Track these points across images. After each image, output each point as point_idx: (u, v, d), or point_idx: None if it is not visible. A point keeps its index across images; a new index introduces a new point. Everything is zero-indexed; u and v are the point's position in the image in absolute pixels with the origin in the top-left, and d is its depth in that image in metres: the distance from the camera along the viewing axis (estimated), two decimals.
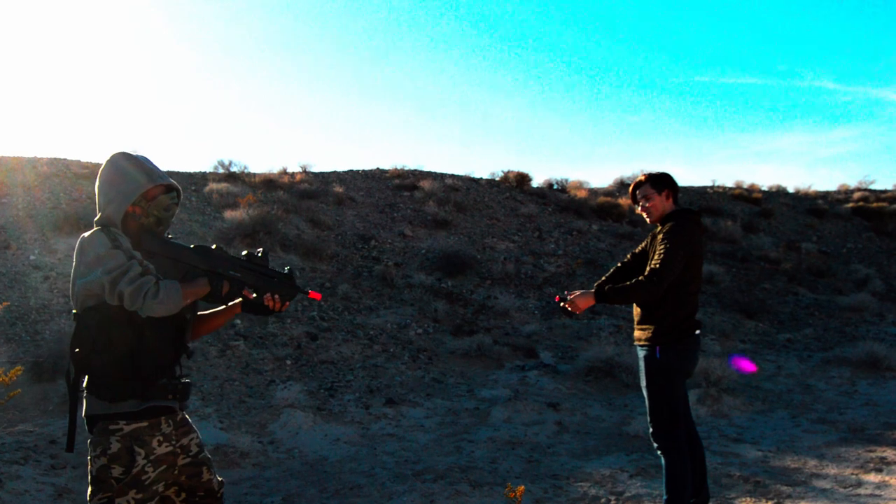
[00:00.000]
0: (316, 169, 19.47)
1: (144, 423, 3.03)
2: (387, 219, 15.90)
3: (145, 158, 3.22)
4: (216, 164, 17.59)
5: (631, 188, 4.69)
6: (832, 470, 6.08)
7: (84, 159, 15.68)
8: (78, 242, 3.01)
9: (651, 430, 4.53)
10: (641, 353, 4.52)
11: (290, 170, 19.00)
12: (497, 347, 10.09)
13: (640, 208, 4.66)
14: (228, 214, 13.09)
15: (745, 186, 25.38)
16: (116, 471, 2.96)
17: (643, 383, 4.52)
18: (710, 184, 25.45)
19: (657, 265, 4.29)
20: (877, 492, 5.45)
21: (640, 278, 4.35)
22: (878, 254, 20.18)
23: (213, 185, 15.06)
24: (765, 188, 25.97)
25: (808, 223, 22.24)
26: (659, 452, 4.52)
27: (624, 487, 5.74)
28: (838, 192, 27.65)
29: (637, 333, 4.57)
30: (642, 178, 4.61)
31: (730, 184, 25.71)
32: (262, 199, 14.92)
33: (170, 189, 3.21)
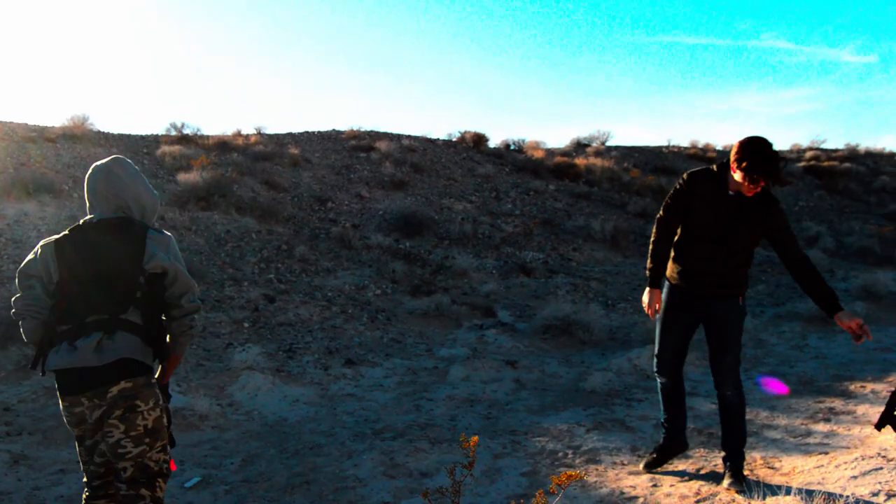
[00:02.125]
0: (270, 131, 19.25)
1: None
2: (343, 180, 15.79)
3: None
4: (168, 126, 17.33)
5: (759, 166, 4.25)
6: (783, 421, 6.24)
7: (31, 123, 15.32)
8: (158, 233, 3.41)
9: (726, 373, 4.72)
10: (728, 305, 4.62)
11: (244, 131, 18.75)
12: (455, 307, 10.12)
13: (757, 184, 4.32)
14: (182, 177, 12.88)
15: (699, 146, 25.64)
16: (165, 419, 3.36)
17: (728, 333, 4.65)
18: (665, 143, 25.67)
19: (798, 246, 4.53)
20: (825, 440, 5.60)
21: (818, 275, 4.47)
22: (828, 211, 20.56)
23: (165, 148, 14.80)
24: (719, 147, 26.24)
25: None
26: (730, 394, 4.71)
27: (581, 441, 5.82)
28: (791, 151, 28.07)
29: (725, 290, 4.63)
30: (775, 170, 4.30)
31: (685, 143, 25.95)
32: (215, 161, 14.70)
33: None
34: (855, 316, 4.33)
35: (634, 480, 4.91)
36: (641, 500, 4.58)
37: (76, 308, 3.23)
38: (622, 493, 4.73)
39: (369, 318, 9.54)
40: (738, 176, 4.37)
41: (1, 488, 4.93)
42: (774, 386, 4.91)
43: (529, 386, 7.61)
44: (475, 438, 2.54)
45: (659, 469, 5.05)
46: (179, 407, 6.38)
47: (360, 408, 6.89)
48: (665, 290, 4.83)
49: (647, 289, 4.81)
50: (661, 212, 4.79)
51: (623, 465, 5.14)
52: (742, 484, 4.54)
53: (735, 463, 4.67)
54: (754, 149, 4.28)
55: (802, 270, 4.47)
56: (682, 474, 4.99)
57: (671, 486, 4.80)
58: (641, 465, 5.10)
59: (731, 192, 4.50)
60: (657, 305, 4.81)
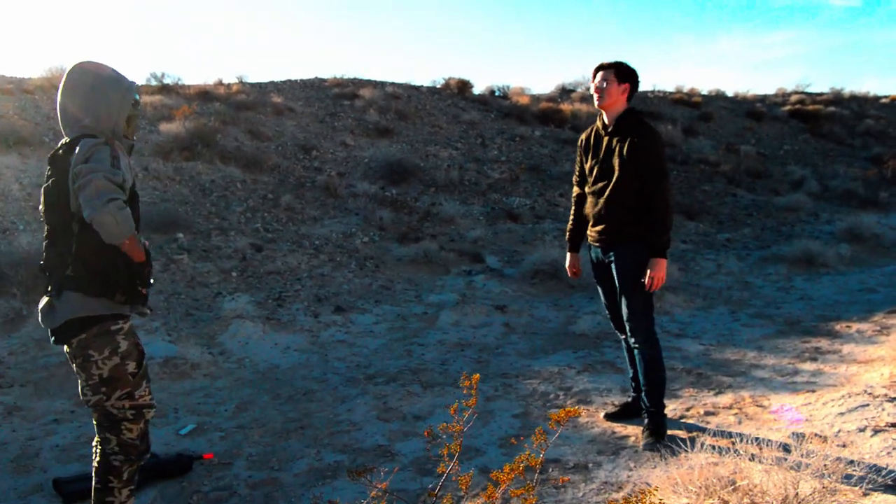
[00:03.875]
0: (252, 79, 18.94)
1: (130, 323, 3.26)
2: (328, 128, 15.64)
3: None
4: (149, 76, 17.01)
5: (596, 67, 4.55)
6: (770, 360, 6.31)
7: (8, 74, 15.02)
8: (82, 143, 3.02)
9: (632, 326, 4.58)
10: (623, 251, 4.50)
11: (225, 80, 18.44)
12: (443, 253, 10.12)
13: (595, 87, 4.53)
14: (164, 127, 12.71)
15: (685, 91, 25.50)
16: (131, 366, 3.21)
17: (623, 281, 4.52)
18: (650, 88, 25.52)
19: (657, 183, 4.36)
20: (812, 379, 5.68)
21: (658, 208, 4.36)
22: (813, 155, 20.59)
23: (146, 98, 14.57)
24: (704, 92, 26.12)
25: (746, 126, 22.52)
26: (640, 347, 4.59)
27: (572, 383, 5.88)
28: (776, 95, 27.99)
29: (615, 237, 4.54)
30: (611, 62, 4.52)
31: (670, 88, 25.82)
32: (198, 111, 14.50)
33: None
34: (655, 270, 4.34)
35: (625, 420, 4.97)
36: (633, 438, 4.64)
37: (44, 259, 3.21)
38: (613, 432, 4.79)
39: (357, 265, 9.53)
40: (594, 94, 4.58)
41: None
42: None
43: (519, 330, 7.65)
44: (476, 376, 2.55)
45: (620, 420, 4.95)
46: (171, 356, 6.38)
47: (351, 354, 6.92)
48: None
49: (567, 253, 5.03)
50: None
51: (614, 405, 5.18)
52: (660, 440, 4.46)
53: (654, 419, 4.61)
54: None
55: (647, 211, 4.44)
56: (673, 413, 5.05)
57: None
58: (601, 414, 5.05)
59: (605, 133, 4.59)
60: (574, 268, 5.01)
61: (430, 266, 9.75)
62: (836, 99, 27.42)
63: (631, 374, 4.98)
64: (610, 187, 4.48)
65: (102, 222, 2.85)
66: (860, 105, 27.23)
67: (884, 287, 9.26)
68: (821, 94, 28.17)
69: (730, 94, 26.89)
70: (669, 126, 19.75)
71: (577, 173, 4.88)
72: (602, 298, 4.90)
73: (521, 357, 6.75)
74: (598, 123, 4.66)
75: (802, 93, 28.02)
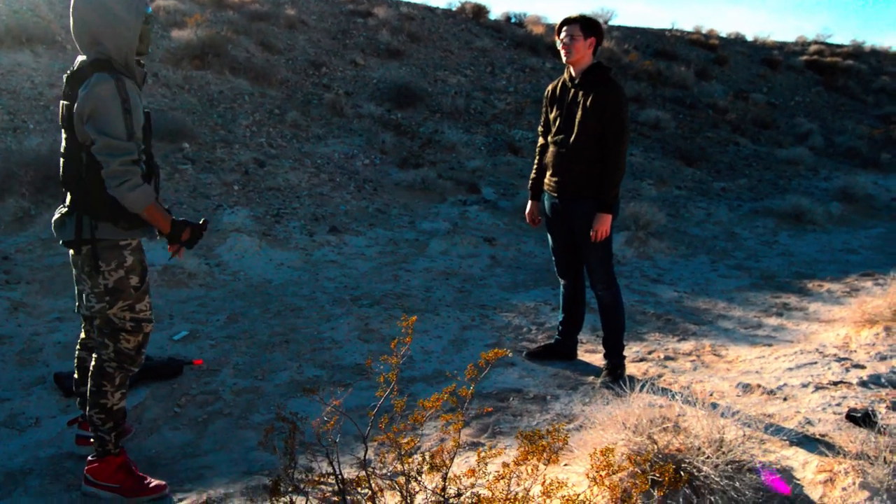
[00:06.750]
0: None
1: (139, 241, 3.47)
2: (339, 45, 15.66)
3: None
4: None
5: (559, 23, 4.66)
6: (738, 312, 6.62)
7: None
8: (93, 82, 3.10)
9: (594, 276, 4.87)
10: (580, 209, 4.71)
11: None
12: (441, 181, 10.35)
13: (560, 44, 4.65)
14: (176, 34, 12.78)
15: (703, 32, 25.28)
16: (134, 280, 3.43)
17: (583, 238, 4.75)
18: (668, 27, 25.30)
19: (616, 137, 4.53)
20: (773, 333, 5.99)
21: (611, 162, 4.55)
22: (823, 109, 20.57)
23: (160, 2, 14.59)
24: (723, 34, 25.89)
25: (760, 73, 22.41)
26: (601, 294, 4.88)
27: (545, 319, 6.20)
28: (795, 43, 27.70)
29: (573, 190, 4.73)
30: (575, 16, 4.62)
31: (689, 28, 25.59)
32: (210, 18, 14.53)
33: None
34: (598, 224, 4.58)
35: (590, 357, 5.30)
36: (592, 377, 4.96)
37: (62, 175, 3.36)
38: (576, 368, 5.12)
39: (356, 187, 9.78)
40: (560, 50, 4.68)
41: (2, 333, 5.29)
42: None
43: (504, 263, 7.95)
44: (413, 318, 2.87)
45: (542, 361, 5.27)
46: (169, 265, 6.70)
47: (341, 275, 7.23)
48: None
49: (529, 200, 5.22)
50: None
51: (581, 342, 5.50)
52: (617, 381, 4.68)
53: (612, 360, 4.92)
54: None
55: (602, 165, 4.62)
56: (635, 355, 5.38)
57: None
58: (524, 354, 5.34)
59: (570, 86, 4.73)
60: (533, 215, 5.21)
61: (427, 193, 10.00)
62: (856, 52, 27.15)
63: (561, 319, 5.27)
64: (571, 139, 4.66)
65: (121, 199, 3.18)
66: (879, 60, 27.00)
67: (865, 249, 9.52)
68: (841, 47, 27.89)
69: (749, 38, 26.65)
70: (683, 67, 19.70)
71: (542, 123, 5.05)
72: (550, 243, 5.13)
73: (502, 290, 7.07)
74: (566, 76, 4.79)
75: (822, 43, 27.75)
